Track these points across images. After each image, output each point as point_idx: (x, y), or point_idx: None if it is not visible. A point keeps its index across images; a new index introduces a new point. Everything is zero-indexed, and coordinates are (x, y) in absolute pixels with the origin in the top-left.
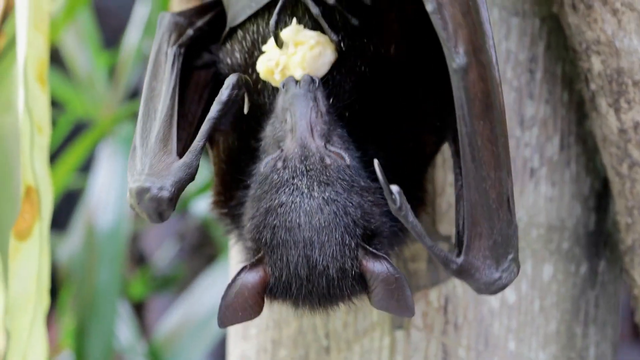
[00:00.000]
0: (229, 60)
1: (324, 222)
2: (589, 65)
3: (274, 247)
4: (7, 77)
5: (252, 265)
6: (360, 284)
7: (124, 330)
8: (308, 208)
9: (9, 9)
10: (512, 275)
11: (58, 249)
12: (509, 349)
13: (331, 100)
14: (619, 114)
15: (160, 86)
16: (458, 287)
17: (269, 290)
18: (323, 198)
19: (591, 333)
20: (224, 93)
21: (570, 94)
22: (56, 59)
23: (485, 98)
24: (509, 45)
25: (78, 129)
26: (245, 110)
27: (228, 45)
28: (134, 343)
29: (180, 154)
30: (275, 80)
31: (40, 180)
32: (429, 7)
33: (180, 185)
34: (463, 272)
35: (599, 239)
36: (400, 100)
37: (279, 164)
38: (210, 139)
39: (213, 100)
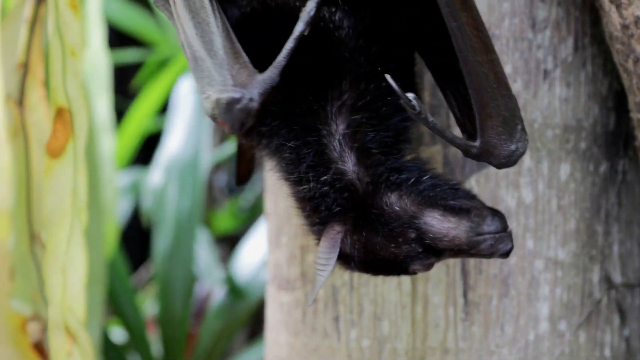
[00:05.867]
0: None
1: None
2: None
3: None
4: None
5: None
6: None
7: (203, 258)
8: None
9: None
10: (525, 143)
11: (143, 184)
12: (527, 247)
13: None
14: (620, 10)
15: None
16: (474, 187)
17: None
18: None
19: (614, 231)
20: (311, 5)
21: None
22: (144, 1)
23: None
24: None
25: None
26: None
27: None
28: (212, 270)
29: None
30: None
31: (73, 101)
32: None
33: (265, 99)
34: (484, 153)
35: (619, 138)
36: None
37: None
38: None
39: None
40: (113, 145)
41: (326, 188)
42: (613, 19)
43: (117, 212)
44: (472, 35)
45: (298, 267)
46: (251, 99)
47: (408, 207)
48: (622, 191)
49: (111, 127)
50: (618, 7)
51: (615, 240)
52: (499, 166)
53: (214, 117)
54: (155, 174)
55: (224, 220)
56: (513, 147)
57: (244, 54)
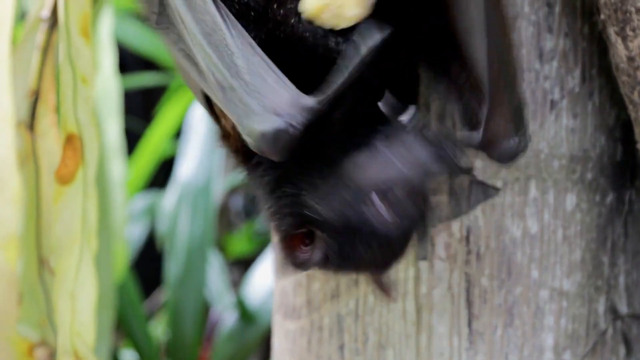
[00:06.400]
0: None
1: None
2: None
3: None
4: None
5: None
6: None
7: (215, 283)
8: None
9: None
10: (527, 144)
11: (158, 208)
12: (532, 277)
13: None
14: (626, 42)
15: (207, 17)
16: (479, 217)
17: None
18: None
19: (620, 262)
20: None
21: (590, 27)
22: None
23: None
24: None
25: None
26: None
27: None
28: (223, 294)
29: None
30: (323, 19)
31: (84, 128)
32: None
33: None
34: (487, 142)
35: (626, 168)
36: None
37: None
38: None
39: None
40: (124, 170)
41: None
42: (619, 50)
43: (128, 237)
44: (503, 15)
45: (304, 295)
46: (294, 125)
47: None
48: (628, 222)
49: (122, 152)
50: (624, 39)
51: (621, 271)
52: (500, 159)
53: (260, 150)
54: (169, 199)
55: (240, 244)
56: (517, 140)
57: (277, 71)
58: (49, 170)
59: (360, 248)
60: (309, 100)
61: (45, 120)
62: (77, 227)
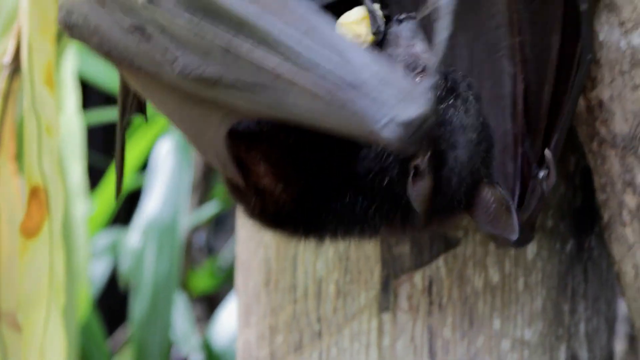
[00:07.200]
0: None
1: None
2: None
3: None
4: None
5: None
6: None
7: (180, 322)
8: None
9: None
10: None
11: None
12: (494, 327)
13: None
14: (585, 93)
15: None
16: (441, 268)
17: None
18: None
19: (580, 309)
20: None
21: None
22: None
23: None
24: None
25: None
26: None
27: None
28: (189, 334)
29: None
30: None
31: (49, 180)
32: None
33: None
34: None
35: (585, 215)
36: None
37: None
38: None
39: None
40: (86, 209)
41: None
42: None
43: (90, 277)
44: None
45: (267, 347)
46: (432, 107)
47: None
48: (588, 268)
49: (85, 191)
50: (583, 89)
51: (582, 318)
52: (503, 244)
53: (402, 143)
54: (134, 236)
55: (203, 280)
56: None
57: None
58: (10, 220)
59: None
60: (427, 80)
61: (6, 169)
62: (45, 281)
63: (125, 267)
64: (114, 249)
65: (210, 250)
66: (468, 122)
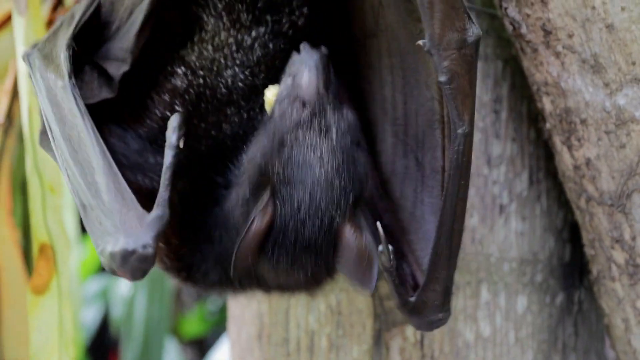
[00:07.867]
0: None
1: (334, 166)
2: (541, 105)
3: (285, 179)
4: None
5: (264, 207)
6: (331, 242)
7: None
8: (324, 148)
9: None
10: (448, 318)
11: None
12: None
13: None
14: (572, 151)
15: (76, 132)
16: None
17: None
18: (338, 143)
19: None
20: (172, 137)
21: (537, 131)
22: None
23: (469, 160)
24: None
25: None
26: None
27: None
28: None
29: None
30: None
31: (55, 238)
32: (443, 78)
33: (158, 240)
34: (415, 309)
35: (575, 269)
36: None
37: (297, 104)
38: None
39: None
40: (79, 257)
41: None
42: (565, 159)
43: (82, 323)
44: (461, 203)
45: None
46: (145, 246)
47: None
48: (578, 321)
49: (77, 239)
50: (569, 148)
51: None
52: (419, 327)
53: (112, 271)
54: (125, 282)
55: (193, 324)
56: (440, 315)
57: (128, 190)
58: (9, 275)
59: None
60: (152, 216)
61: (2, 223)
62: (55, 337)
63: (116, 313)
64: (105, 295)
65: (200, 295)
66: (315, 165)
